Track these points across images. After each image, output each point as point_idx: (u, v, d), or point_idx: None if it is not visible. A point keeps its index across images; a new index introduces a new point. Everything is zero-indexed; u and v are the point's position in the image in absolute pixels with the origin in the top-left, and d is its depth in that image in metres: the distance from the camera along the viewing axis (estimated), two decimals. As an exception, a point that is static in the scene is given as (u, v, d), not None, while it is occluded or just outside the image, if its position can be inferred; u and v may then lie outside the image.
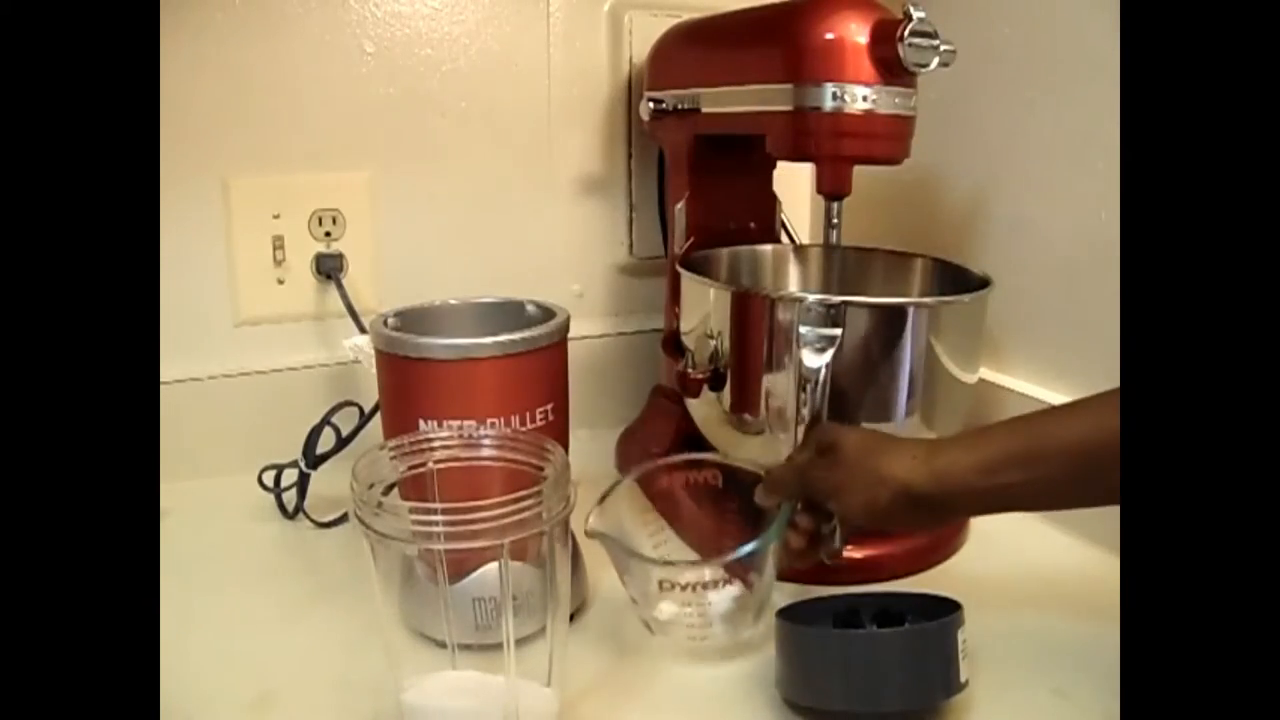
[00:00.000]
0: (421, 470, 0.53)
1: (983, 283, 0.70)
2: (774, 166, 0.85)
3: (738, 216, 0.84)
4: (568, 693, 0.53)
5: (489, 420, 0.58)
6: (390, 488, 0.51)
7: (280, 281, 0.87)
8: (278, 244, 0.86)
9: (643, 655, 0.60)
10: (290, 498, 0.78)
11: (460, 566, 0.56)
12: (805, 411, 0.62)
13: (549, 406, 0.61)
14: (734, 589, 0.59)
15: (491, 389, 0.59)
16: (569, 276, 0.97)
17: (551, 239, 0.96)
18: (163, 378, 0.81)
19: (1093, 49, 0.73)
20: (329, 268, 0.87)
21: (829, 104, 0.64)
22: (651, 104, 0.79)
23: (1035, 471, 0.52)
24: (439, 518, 0.46)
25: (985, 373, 0.79)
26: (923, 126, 0.68)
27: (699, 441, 0.75)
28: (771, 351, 0.66)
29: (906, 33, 0.62)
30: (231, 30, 0.81)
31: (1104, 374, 0.70)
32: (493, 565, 0.52)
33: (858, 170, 0.67)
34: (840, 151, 0.66)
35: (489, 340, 0.58)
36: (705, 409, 0.72)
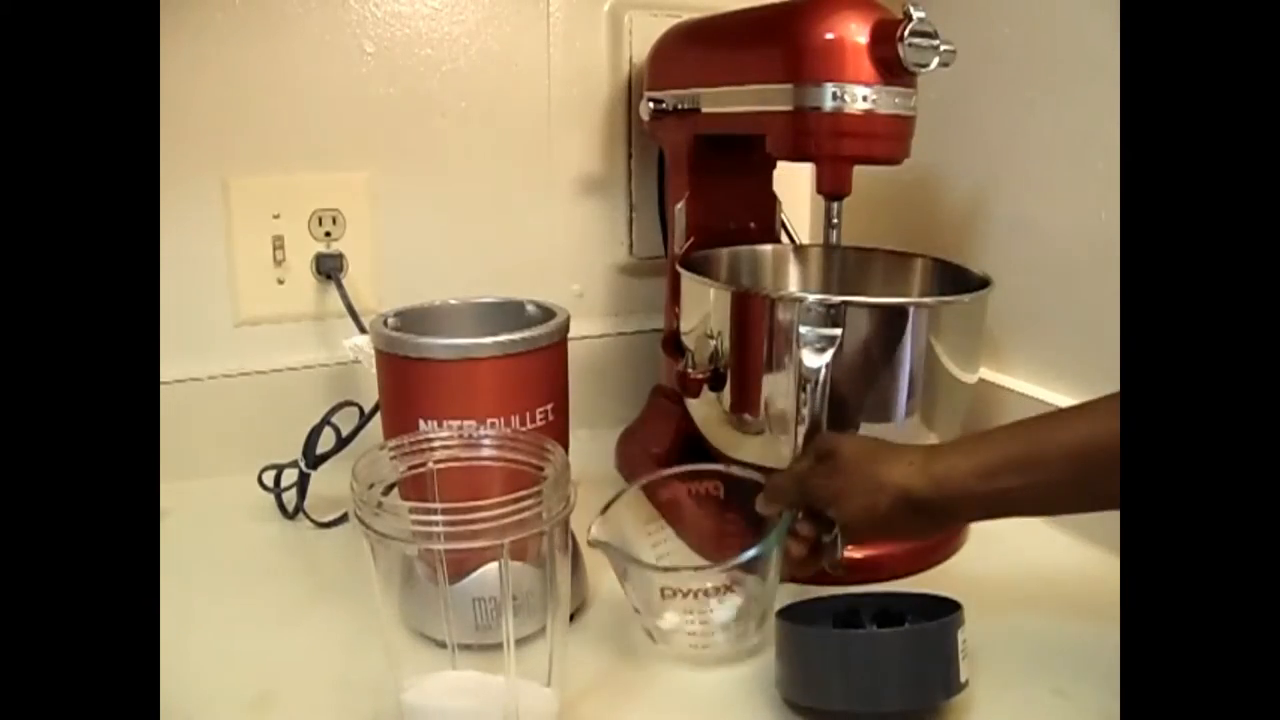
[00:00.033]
0: (421, 470, 0.53)
1: (983, 283, 0.70)
2: (774, 166, 0.85)
3: (738, 216, 0.84)
4: (568, 693, 0.53)
5: (489, 420, 0.58)
6: (390, 488, 0.51)
7: (280, 281, 0.86)
8: (278, 244, 0.86)
9: (643, 655, 0.60)
10: (290, 498, 0.78)
11: (460, 566, 0.56)
12: (805, 411, 0.62)
13: (549, 406, 0.61)
14: (736, 598, 0.59)
15: (491, 389, 0.59)
16: (569, 276, 0.97)
17: (551, 239, 0.96)
18: (163, 378, 0.81)
19: (1093, 49, 0.73)
20: (329, 268, 0.87)
21: (829, 104, 0.64)
22: (651, 104, 0.79)
23: (1035, 476, 0.52)
24: (439, 518, 0.46)
25: (985, 373, 0.79)
26: (923, 126, 0.68)
27: (699, 442, 0.75)
28: (771, 351, 0.66)
29: (906, 33, 0.62)
30: (231, 30, 0.81)
31: (1104, 374, 0.70)
32: (493, 565, 0.52)
33: (858, 170, 0.67)
34: (840, 151, 0.66)
35: (489, 340, 0.58)
36: (705, 409, 0.72)
